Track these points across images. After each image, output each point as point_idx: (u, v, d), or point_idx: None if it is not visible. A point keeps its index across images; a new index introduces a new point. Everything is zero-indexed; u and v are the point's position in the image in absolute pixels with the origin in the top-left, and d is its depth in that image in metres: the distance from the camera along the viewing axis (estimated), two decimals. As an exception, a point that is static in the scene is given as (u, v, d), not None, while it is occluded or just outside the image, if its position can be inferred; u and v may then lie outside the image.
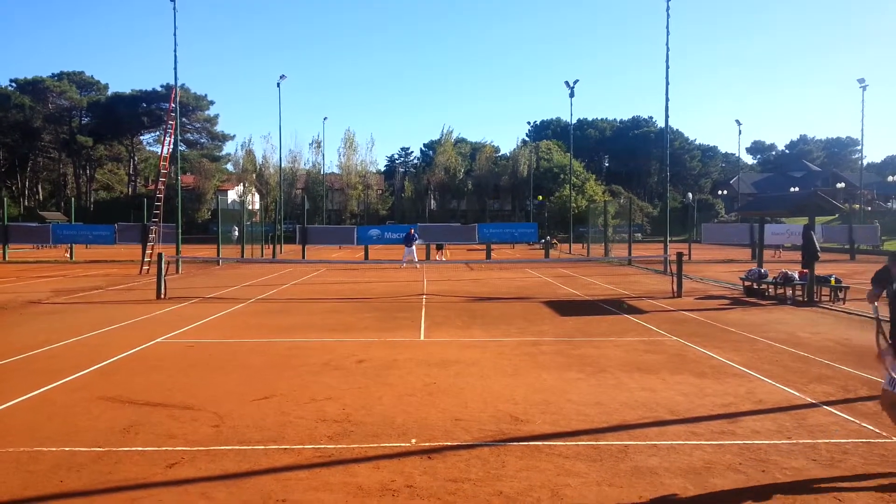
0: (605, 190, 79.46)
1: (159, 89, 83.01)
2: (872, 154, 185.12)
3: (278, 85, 45.97)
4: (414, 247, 28.64)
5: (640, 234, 66.33)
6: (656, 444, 5.44)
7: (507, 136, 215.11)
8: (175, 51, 25.56)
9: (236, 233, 37.26)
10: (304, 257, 33.94)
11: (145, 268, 24.98)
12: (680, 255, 17.81)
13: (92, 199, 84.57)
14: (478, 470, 4.88)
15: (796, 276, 15.87)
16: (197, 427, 5.91)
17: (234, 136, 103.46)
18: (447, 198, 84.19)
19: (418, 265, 27.60)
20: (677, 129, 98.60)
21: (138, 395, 6.99)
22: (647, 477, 4.74)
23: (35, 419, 6.17)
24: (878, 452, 5.24)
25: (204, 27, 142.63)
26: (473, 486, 4.59)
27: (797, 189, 64.59)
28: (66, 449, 5.32)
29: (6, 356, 9.08)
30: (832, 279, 15.40)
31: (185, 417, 6.20)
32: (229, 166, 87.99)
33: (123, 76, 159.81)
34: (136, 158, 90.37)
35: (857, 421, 6.08)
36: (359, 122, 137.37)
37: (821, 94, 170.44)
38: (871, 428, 5.87)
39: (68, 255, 36.68)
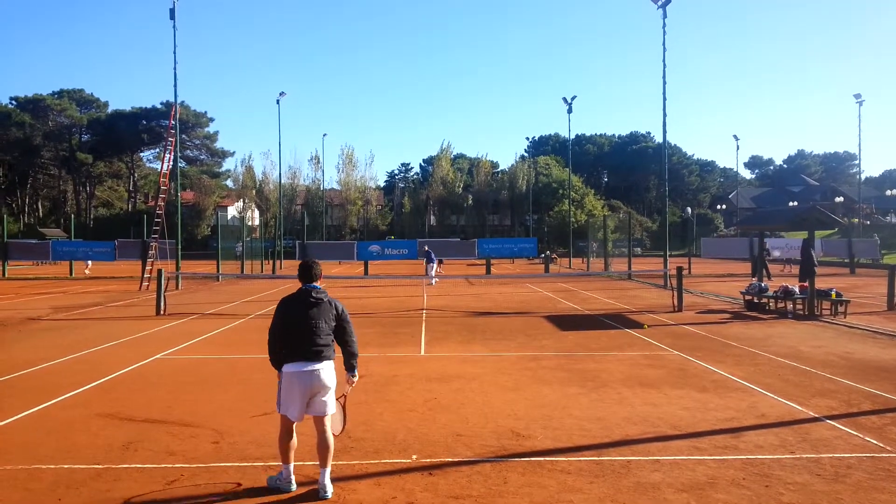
0: (604, 205, 79.48)
1: (159, 106, 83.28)
2: (870, 168, 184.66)
3: (278, 102, 46.22)
4: (434, 263, 28.40)
5: (639, 249, 66.39)
6: (659, 460, 5.41)
7: (505, 152, 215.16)
8: (175, 68, 25.79)
9: (239, 248, 37.20)
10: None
11: (145, 284, 24.98)
12: (680, 269, 17.82)
13: (92, 216, 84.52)
14: (479, 486, 4.84)
15: (797, 290, 15.87)
16: (197, 444, 5.88)
17: (234, 152, 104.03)
18: (446, 213, 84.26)
19: (433, 282, 27.13)
20: (675, 145, 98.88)
21: (137, 412, 6.96)
22: (649, 492, 4.70)
23: (34, 436, 6.14)
24: (883, 467, 5.21)
25: (204, 45, 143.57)
26: (475, 502, 4.56)
27: (796, 203, 64.75)
28: (65, 466, 5.29)
29: (5, 373, 9.04)
30: (833, 293, 15.42)
31: (185, 434, 6.17)
32: (229, 182, 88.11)
33: (123, 94, 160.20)
34: (135, 175, 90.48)
35: (861, 435, 6.05)
36: (358, 137, 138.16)
37: (818, 109, 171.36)
38: (875, 442, 5.84)
39: (87, 271, 36.74)
